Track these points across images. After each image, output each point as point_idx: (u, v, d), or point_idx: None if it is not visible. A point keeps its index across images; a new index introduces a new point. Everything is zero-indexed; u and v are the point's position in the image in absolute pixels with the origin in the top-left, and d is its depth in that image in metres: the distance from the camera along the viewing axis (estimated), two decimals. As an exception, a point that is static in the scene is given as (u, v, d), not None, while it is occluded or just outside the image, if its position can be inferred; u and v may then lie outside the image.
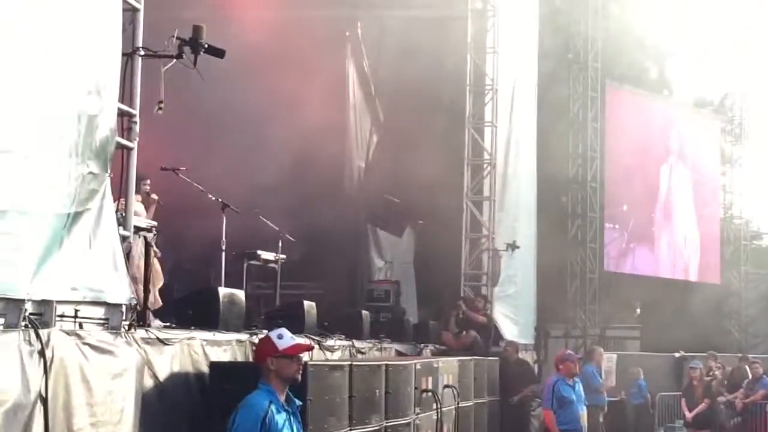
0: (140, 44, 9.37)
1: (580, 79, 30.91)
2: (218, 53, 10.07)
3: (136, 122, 9.29)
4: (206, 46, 9.82)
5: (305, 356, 7.98)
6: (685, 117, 37.09)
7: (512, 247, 22.47)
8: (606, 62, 31.72)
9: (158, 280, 12.49)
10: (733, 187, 39.23)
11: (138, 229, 9.87)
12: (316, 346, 12.65)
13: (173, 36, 9.72)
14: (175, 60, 9.73)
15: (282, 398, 7.36)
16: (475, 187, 23.07)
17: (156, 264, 12.62)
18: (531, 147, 26.47)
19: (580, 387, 15.45)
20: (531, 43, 26.69)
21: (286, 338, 7.46)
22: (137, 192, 12.91)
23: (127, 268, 8.81)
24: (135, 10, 9.36)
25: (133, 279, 11.46)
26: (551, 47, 29.38)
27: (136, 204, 12.72)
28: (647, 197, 34.97)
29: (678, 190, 35.98)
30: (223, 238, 13.80)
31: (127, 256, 8.96)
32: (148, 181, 13.29)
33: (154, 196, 13.33)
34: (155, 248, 13.13)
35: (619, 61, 34.33)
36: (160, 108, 9.82)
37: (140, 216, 12.66)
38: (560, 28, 30.32)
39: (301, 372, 7.58)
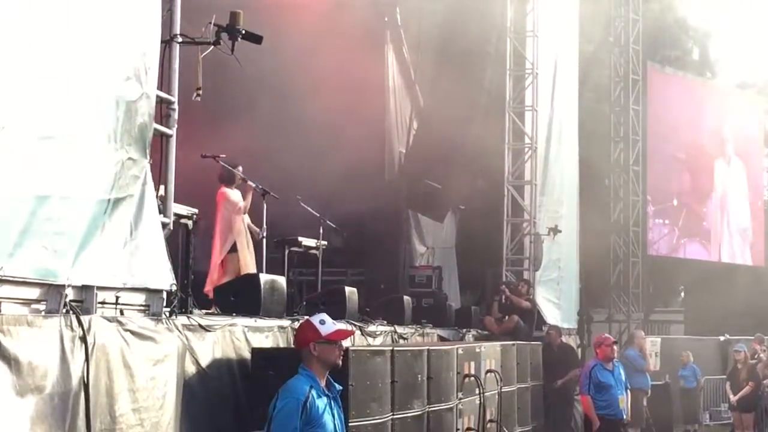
0: (178, 31, 9.37)
1: (621, 62, 30.71)
2: (256, 39, 10.07)
3: (174, 109, 9.28)
4: (243, 32, 9.83)
5: (347, 342, 7.97)
6: (729, 100, 36.73)
7: (554, 231, 22.37)
8: (647, 45, 31.50)
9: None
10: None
11: (179, 217, 9.86)
12: (358, 332, 12.66)
13: (210, 22, 9.73)
14: (212, 47, 9.74)
15: (323, 383, 7.37)
16: (516, 172, 22.92)
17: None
18: (572, 130, 26.31)
19: (620, 371, 15.34)
20: (571, 26, 26.51)
21: (328, 323, 7.47)
22: (232, 181, 13.18)
23: (169, 254, 8.81)
24: (172, -4, 9.38)
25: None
26: (592, 30, 29.20)
27: (233, 192, 12.99)
28: (699, 191, 34.62)
29: (733, 184, 35.59)
30: (264, 225, 13.83)
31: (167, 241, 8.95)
32: (241, 168, 13.37)
33: (251, 183, 13.39)
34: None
35: (661, 44, 34.09)
36: (198, 94, 9.84)
37: (237, 204, 12.95)
38: (600, 10, 30.12)
39: (342, 357, 7.61)
